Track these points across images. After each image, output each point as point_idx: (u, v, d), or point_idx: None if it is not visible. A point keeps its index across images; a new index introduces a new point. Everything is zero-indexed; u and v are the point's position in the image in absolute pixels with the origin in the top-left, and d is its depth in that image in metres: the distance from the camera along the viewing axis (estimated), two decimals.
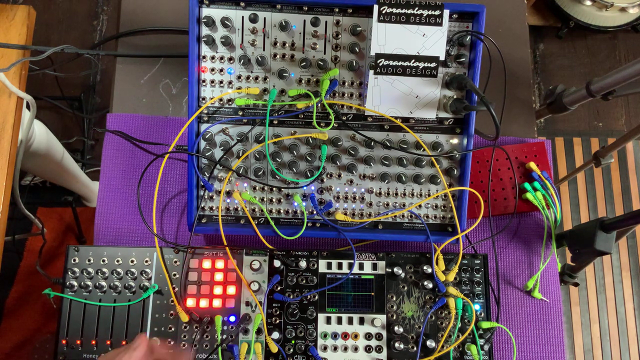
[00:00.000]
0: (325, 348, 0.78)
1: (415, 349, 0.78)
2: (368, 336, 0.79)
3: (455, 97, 0.80)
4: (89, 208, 1.80)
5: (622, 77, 1.05)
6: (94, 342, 0.76)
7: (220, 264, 0.79)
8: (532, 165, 0.92)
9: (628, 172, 2.13)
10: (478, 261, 0.82)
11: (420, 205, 0.83)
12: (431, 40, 0.74)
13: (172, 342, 0.77)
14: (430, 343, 0.78)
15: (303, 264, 0.80)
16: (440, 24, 0.73)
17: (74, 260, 0.79)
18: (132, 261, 0.79)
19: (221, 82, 0.79)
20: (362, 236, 0.83)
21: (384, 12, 0.72)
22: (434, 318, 0.80)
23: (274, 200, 0.82)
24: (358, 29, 0.77)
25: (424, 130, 0.82)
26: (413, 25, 0.73)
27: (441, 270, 0.81)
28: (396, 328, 0.78)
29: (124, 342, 0.77)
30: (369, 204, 0.83)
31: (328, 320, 0.79)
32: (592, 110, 2.21)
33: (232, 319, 0.77)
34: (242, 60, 0.77)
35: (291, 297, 0.79)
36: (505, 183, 0.92)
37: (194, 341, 0.76)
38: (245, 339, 0.77)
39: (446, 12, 0.73)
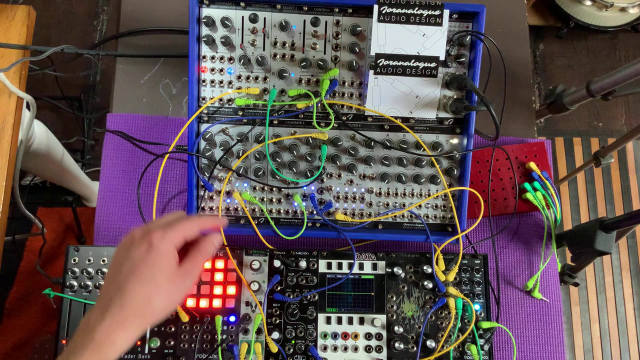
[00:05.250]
0: (325, 348, 0.78)
1: (415, 349, 0.78)
2: (368, 336, 0.78)
3: (455, 97, 0.80)
4: (89, 208, 1.80)
5: (622, 77, 1.05)
6: None
7: (220, 264, 0.79)
8: (532, 165, 0.92)
9: (628, 172, 2.13)
10: (478, 261, 0.82)
11: (420, 205, 0.83)
12: (431, 40, 0.74)
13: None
14: (430, 343, 0.78)
15: (303, 264, 0.80)
16: (440, 24, 0.73)
17: (74, 260, 0.79)
18: None
19: (221, 82, 0.79)
20: (362, 236, 0.83)
21: (384, 12, 0.72)
22: (434, 318, 0.80)
23: (274, 200, 0.82)
24: (358, 29, 0.77)
25: (424, 130, 0.82)
26: (413, 25, 0.73)
27: (441, 270, 0.81)
28: (396, 328, 0.78)
29: None
30: (369, 204, 0.83)
31: (328, 320, 0.79)
32: (592, 110, 2.21)
33: (232, 319, 0.77)
34: (242, 60, 0.77)
35: (291, 297, 0.79)
36: (505, 183, 0.92)
37: (194, 341, 0.76)
38: (245, 339, 0.77)
39: (446, 12, 0.73)
